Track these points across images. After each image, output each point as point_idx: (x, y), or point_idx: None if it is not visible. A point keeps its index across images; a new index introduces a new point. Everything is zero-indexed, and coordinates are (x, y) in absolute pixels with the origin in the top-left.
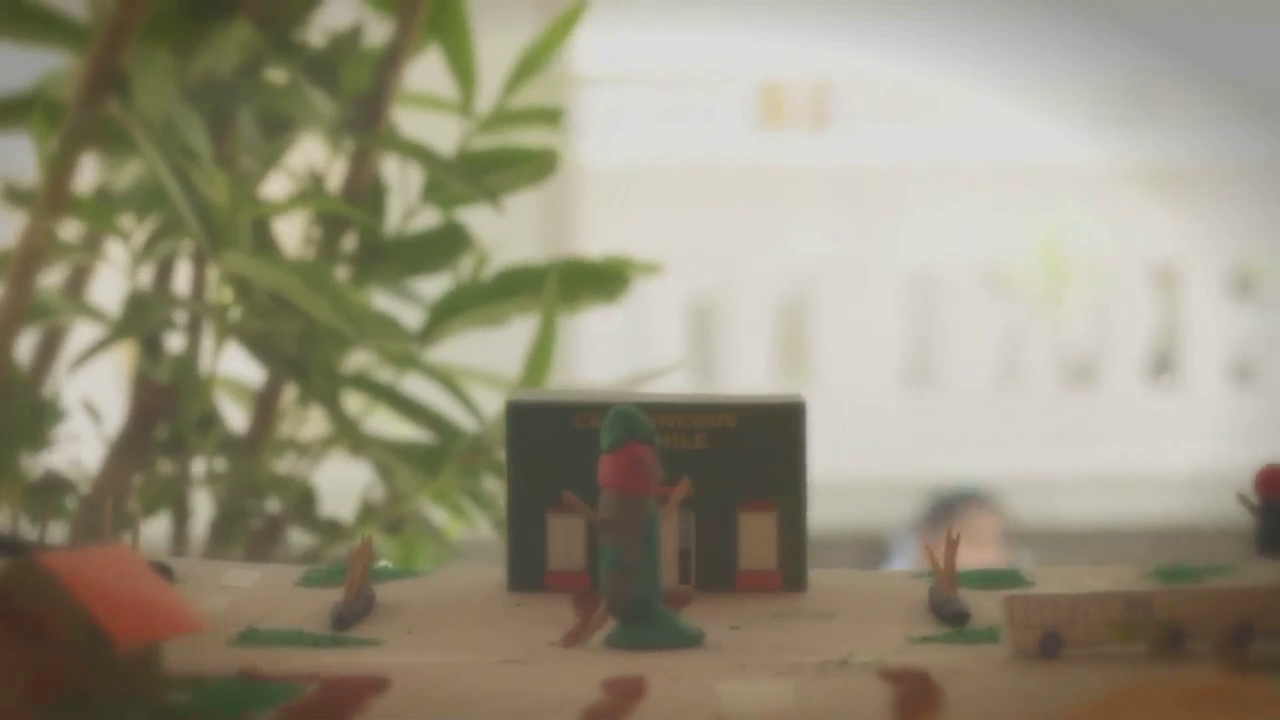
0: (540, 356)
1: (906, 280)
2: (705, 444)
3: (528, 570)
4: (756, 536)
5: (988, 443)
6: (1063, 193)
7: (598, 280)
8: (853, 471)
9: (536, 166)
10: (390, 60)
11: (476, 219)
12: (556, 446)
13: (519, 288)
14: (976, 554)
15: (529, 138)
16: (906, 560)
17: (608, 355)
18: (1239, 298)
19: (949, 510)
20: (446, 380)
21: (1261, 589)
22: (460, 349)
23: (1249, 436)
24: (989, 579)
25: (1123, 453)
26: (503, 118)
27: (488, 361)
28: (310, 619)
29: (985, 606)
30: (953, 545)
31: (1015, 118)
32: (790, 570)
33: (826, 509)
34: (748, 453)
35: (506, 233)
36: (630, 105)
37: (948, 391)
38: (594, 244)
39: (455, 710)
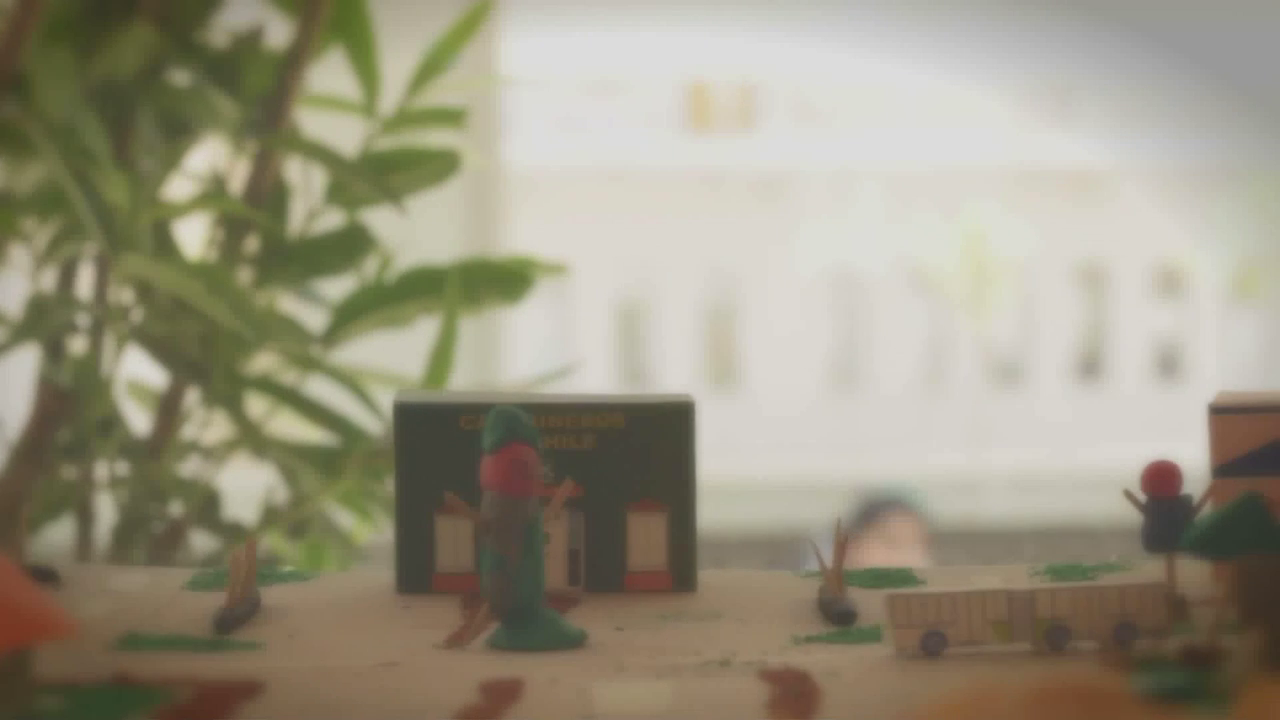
0: (441, 357)
1: (832, 282)
2: (594, 445)
3: (416, 572)
4: (646, 537)
5: (913, 443)
6: (986, 194)
7: (501, 281)
8: (778, 472)
9: (438, 167)
10: (292, 61)
11: (398, 222)
12: (443, 447)
13: (422, 289)
14: (901, 557)
15: (449, 139)
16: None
17: (535, 358)
18: (1163, 296)
19: (873, 513)
20: (349, 381)
21: (1144, 587)
22: (373, 350)
23: (1174, 434)
24: (880, 578)
25: (1048, 452)
26: (406, 119)
27: (401, 363)
28: (194, 623)
29: (874, 606)
30: (841, 546)
31: (940, 120)
32: (680, 571)
33: (751, 510)
34: (637, 453)
35: (430, 236)
36: (557, 107)
37: (873, 392)
38: (518, 247)
39: (328, 714)
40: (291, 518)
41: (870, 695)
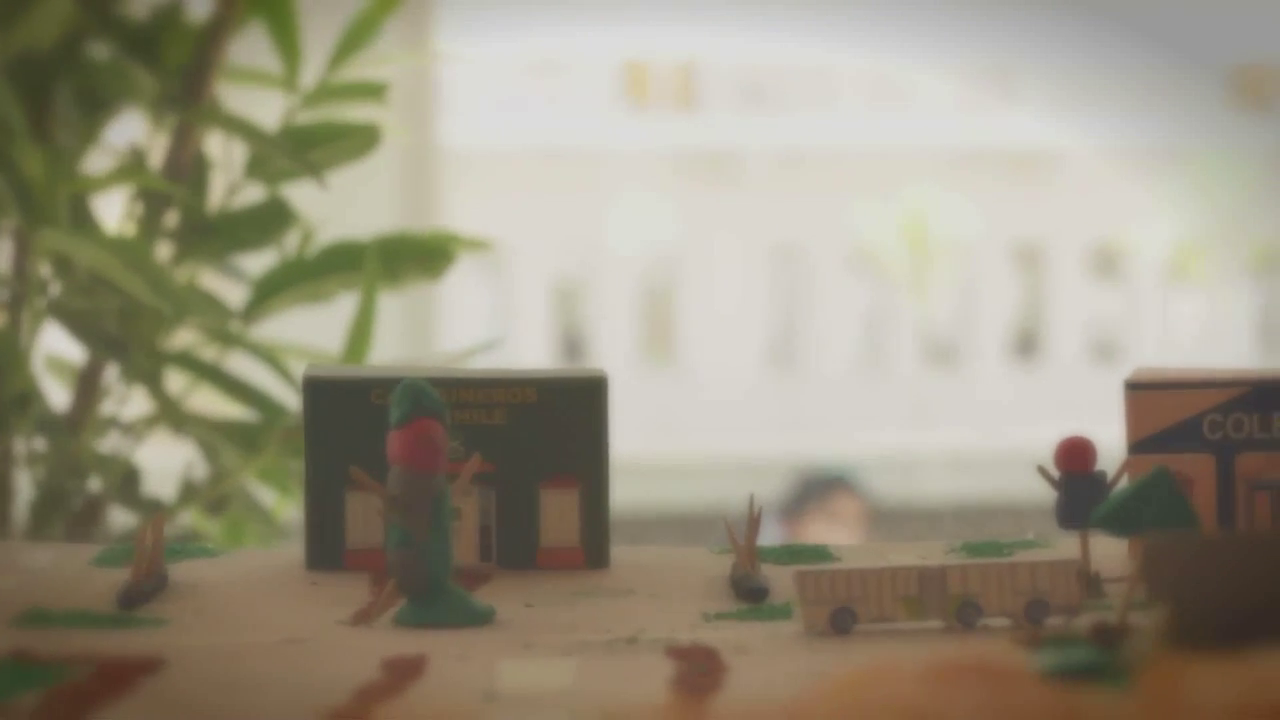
0: (360, 332)
1: (772, 261)
2: (505, 420)
3: (326, 548)
4: (558, 513)
5: (852, 422)
6: (928, 174)
7: (421, 256)
8: (716, 451)
9: (360, 141)
10: (212, 34)
11: (333, 199)
12: (353, 422)
13: (342, 264)
14: (841, 535)
15: (380, 115)
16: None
17: (473, 336)
18: (1100, 276)
19: (815, 492)
20: (268, 357)
21: (1055, 564)
22: (301, 326)
23: (1111, 414)
24: (795, 554)
25: (986, 431)
26: (327, 93)
27: (327, 339)
28: (100, 599)
29: (788, 582)
30: (754, 522)
31: (881, 100)
32: (593, 547)
33: (688, 488)
34: (549, 428)
35: (365, 213)
36: (496, 86)
37: (812, 372)
38: (456, 225)
39: (228, 691)
40: (211, 494)
41: (777, 672)
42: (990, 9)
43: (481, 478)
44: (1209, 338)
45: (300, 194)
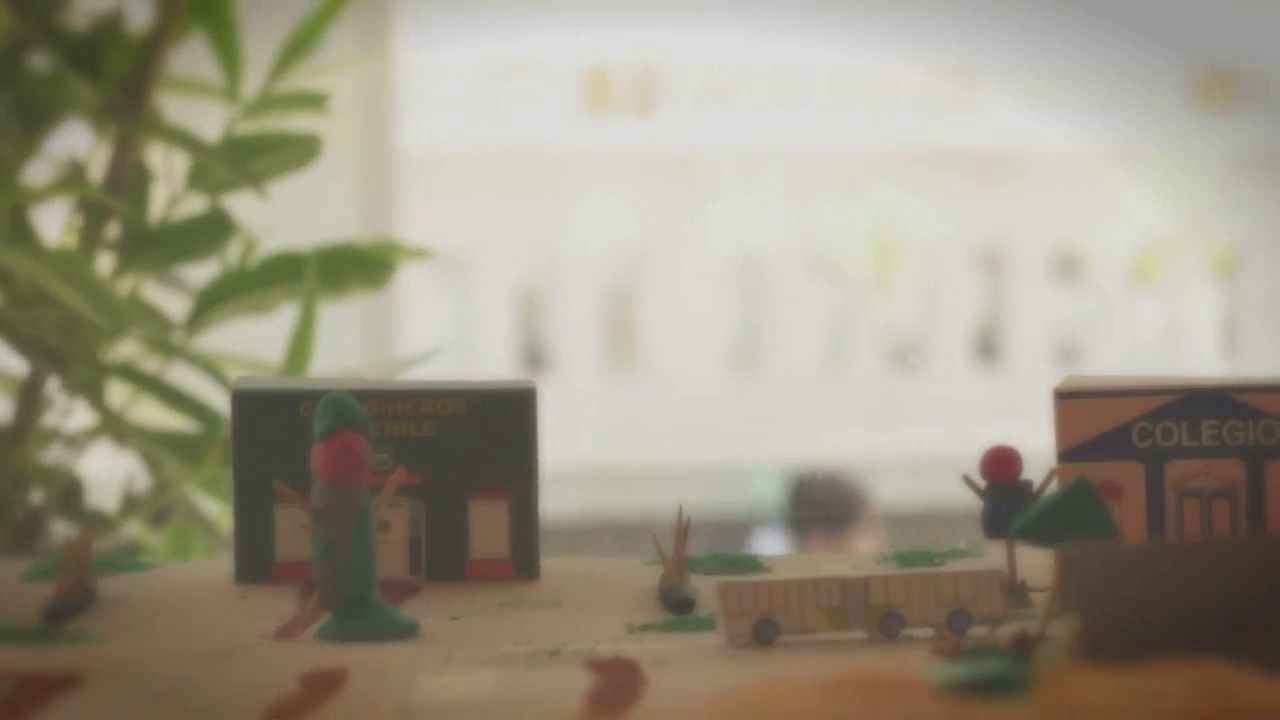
0: (300, 343)
1: (733, 265)
2: (435, 431)
3: (255, 561)
4: (488, 525)
5: (815, 426)
6: (891, 176)
7: (363, 266)
8: (679, 456)
9: (300, 151)
10: (153, 45)
11: (292, 206)
12: (282, 435)
13: (284, 275)
14: (859, 541)
15: (341, 120)
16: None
17: (435, 342)
18: (1062, 280)
19: (813, 497)
20: (210, 368)
21: (978, 574)
22: (250, 337)
23: None
24: (728, 564)
25: (948, 435)
26: (268, 103)
27: (277, 349)
28: (26, 615)
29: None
30: (682, 532)
31: (843, 101)
32: (522, 558)
33: (651, 493)
34: (478, 440)
35: (327, 220)
36: (458, 91)
37: (774, 376)
38: (418, 230)
39: (145, 706)
40: (153, 506)
41: (696, 684)
42: (953, 10)
43: (411, 490)
44: (1171, 340)
45: (257, 202)
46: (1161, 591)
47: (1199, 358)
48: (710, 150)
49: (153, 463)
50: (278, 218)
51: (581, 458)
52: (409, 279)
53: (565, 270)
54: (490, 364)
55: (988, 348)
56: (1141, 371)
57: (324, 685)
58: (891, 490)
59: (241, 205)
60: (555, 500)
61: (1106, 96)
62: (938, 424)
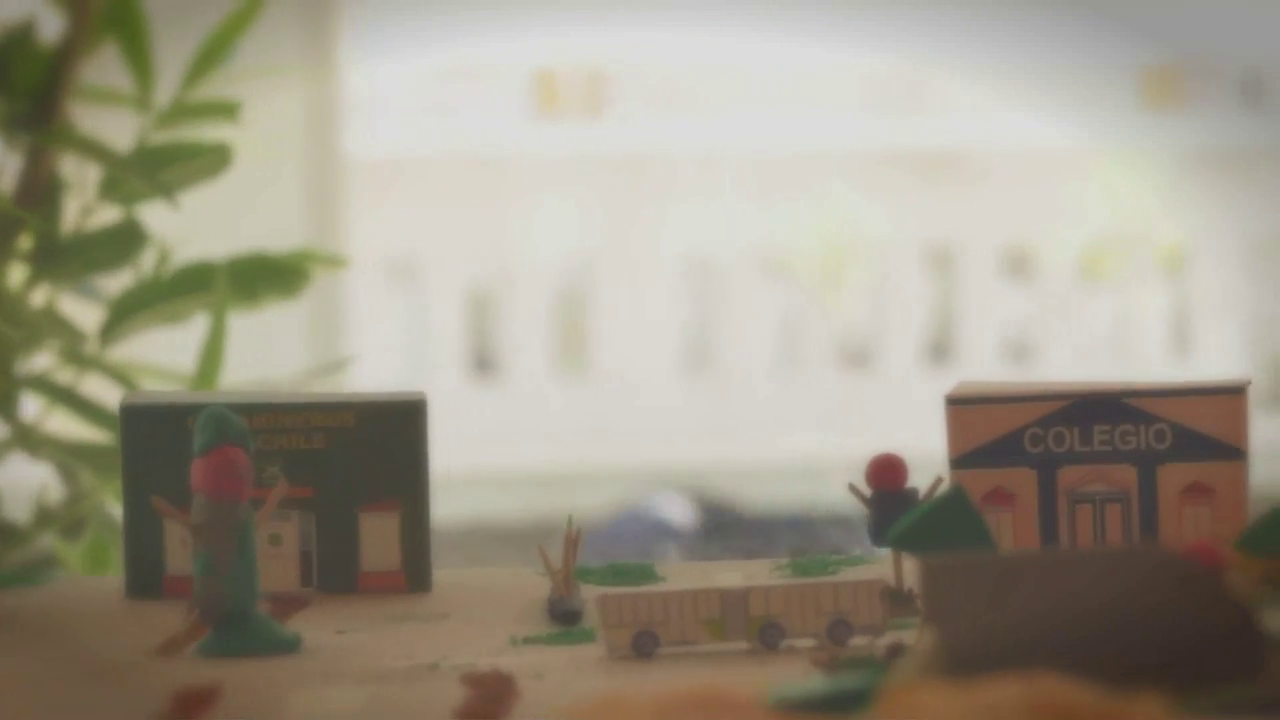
0: (211, 353)
1: (684, 267)
2: (324, 443)
3: (145, 576)
4: (379, 537)
5: (767, 428)
6: (837, 177)
7: (276, 275)
8: (631, 459)
9: (212, 161)
10: (64, 55)
11: (237, 215)
12: (170, 449)
13: (197, 284)
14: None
15: (288, 126)
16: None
17: (384, 347)
18: (1013, 278)
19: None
20: (124, 379)
21: (859, 584)
22: (172, 347)
23: None
24: (621, 574)
25: (901, 435)
26: (180, 112)
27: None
28: None
29: None
30: (571, 543)
31: (793, 102)
32: (414, 570)
33: (606, 496)
34: (368, 452)
35: (272, 227)
36: (404, 94)
37: (726, 378)
38: (365, 236)
39: None
40: (67, 518)
41: (571, 697)
42: (902, 10)
43: (301, 502)
44: (1122, 337)
45: (199, 210)
46: (1020, 603)
47: (1149, 355)
48: (661, 152)
49: (68, 474)
50: (223, 226)
51: (533, 461)
52: (359, 284)
53: (516, 273)
54: (441, 368)
55: (939, 348)
56: (1093, 369)
57: (194, 703)
58: (844, 491)
59: (182, 215)
60: (507, 504)
61: (1056, 95)
62: (890, 424)
